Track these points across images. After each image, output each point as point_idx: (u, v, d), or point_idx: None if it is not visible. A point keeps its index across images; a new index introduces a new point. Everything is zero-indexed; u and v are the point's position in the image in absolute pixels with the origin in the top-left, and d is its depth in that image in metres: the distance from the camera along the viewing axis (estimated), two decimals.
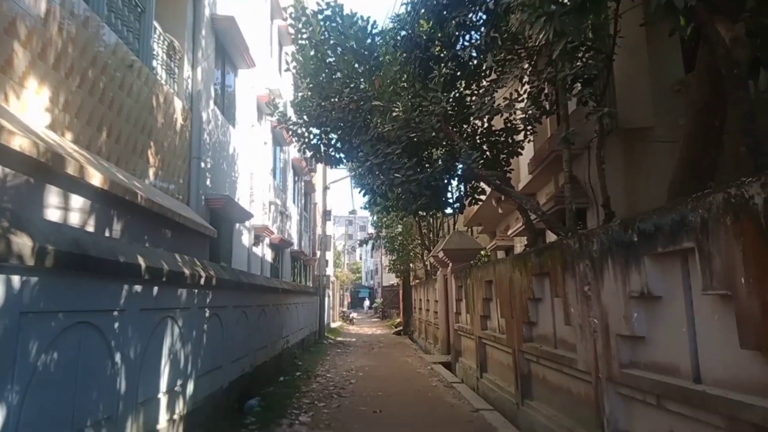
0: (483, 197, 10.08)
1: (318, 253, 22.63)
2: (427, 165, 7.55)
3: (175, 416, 4.67)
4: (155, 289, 4.24)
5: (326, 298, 21.70)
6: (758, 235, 2.35)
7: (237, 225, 11.61)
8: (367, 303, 58.30)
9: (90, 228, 5.19)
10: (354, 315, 39.76)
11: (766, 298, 2.31)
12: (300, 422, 6.17)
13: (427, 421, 6.24)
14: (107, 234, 5.54)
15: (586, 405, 4.28)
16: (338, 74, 8.25)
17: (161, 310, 4.40)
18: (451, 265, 11.14)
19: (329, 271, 28.71)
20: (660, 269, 3.24)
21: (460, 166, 7.26)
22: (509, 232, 12.56)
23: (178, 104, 8.50)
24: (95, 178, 4.88)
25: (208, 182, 9.84)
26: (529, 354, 5.74)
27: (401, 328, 23.74)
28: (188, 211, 8.22)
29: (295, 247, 20.41)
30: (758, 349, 2.39)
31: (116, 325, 3.64)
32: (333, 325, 26.84)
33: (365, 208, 10.78)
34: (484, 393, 7.69)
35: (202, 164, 9.51)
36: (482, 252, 13.88)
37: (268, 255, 15.41)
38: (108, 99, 6.12)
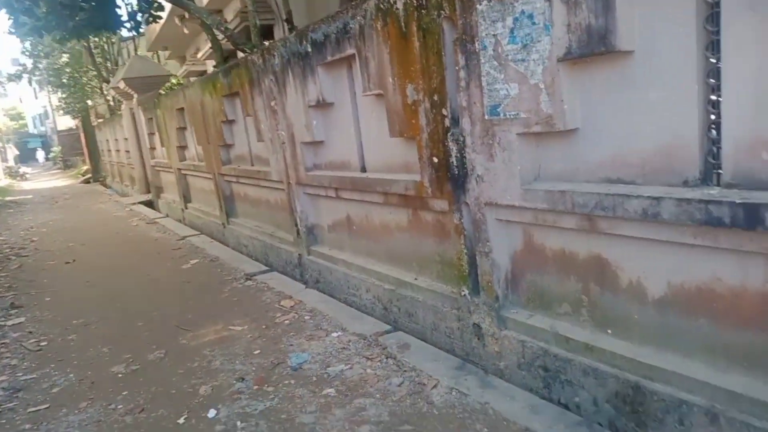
0: (162, 14, 8.91)
1: None
2: None
3: None
4: None
5: None
6: (400, 38, 2.73)
7: None
8: (41, 154, 49.08)
9: None
10: (26, 170, 33.08)
11: (405, 93, 2.79)
12: None
13: (130, 258, 6.02)
14: None
15: (283, 210, 4.75)
16: None
17: None
18: (136, 96, 9.95)
19: None
20: (331, 77, 3.53)
21: None
22: (199, 55, 11.72)
23: None
24: None
25: None
26: (229, 176, 5.88)
27: (90, 175, 21.10)
28: None
29: None
30: (400, 136, 2.94)
31: None
32: None
33: (11, 32, 8.18)
34: (190, 222, 7.73)
35: None
36: (174, 80, 12.74)
37: None
38: None
